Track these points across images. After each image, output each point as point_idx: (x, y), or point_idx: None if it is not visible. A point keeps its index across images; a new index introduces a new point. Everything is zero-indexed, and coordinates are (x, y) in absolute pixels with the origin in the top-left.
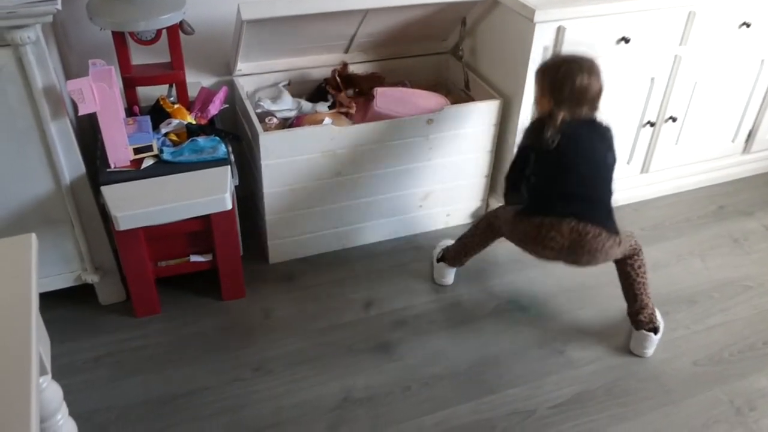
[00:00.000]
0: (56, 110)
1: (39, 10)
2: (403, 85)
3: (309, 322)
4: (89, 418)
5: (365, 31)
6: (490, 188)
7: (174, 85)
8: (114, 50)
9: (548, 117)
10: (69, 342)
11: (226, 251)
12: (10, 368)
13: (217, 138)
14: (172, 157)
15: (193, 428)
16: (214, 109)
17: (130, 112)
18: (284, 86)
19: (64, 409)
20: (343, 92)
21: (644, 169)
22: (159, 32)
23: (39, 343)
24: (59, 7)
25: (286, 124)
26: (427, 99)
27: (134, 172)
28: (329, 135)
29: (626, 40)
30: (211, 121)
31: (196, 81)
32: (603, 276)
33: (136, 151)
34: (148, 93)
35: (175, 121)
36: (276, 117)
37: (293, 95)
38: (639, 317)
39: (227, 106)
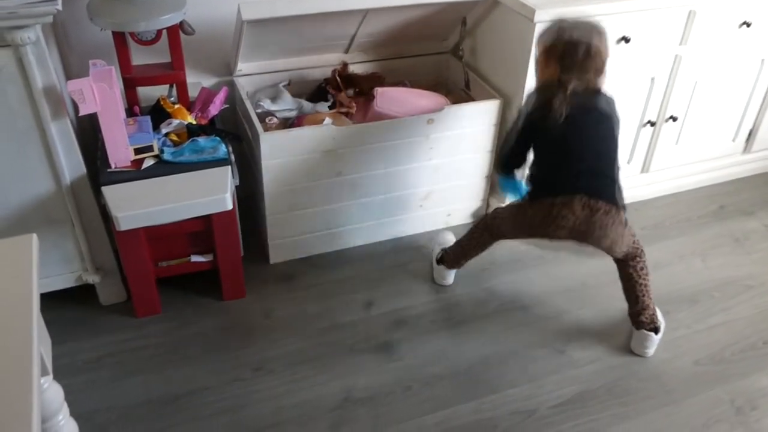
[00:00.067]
0: (57, 110)
1: (39, 11)
2: (404, 85)
3: (309, 322)
4: (90, 419)
5: (365, 31)
6: (491, 188)
7: (174, 85)
8: (114, 50)
9: (556, 86)
10: (70, 342)
11: (227, 251)
12: (11, 368)
13: (218, 138)
14: (172, 158)
15: (194, 428)
16: (214, 109)
17: (130, 113)
18: (284, 86)
19: (66, 410)
20: (343, 92)
21: (645, 168)
22: (159, 32)
23: (40, 343)
24: (59, 7)
25: (287, 124)
26: (428, 99)
27: (135, 173)
28: (330, 135)
29: (626, 40)
30: (212, 121)
31: (197, 81)
32: (603, 276)
33: (137, 151)
34: (149, 93)
35: (175, 122)
36: (276, 117)
37: (293, 95)
38: (640, 318)
39: (227, 106)
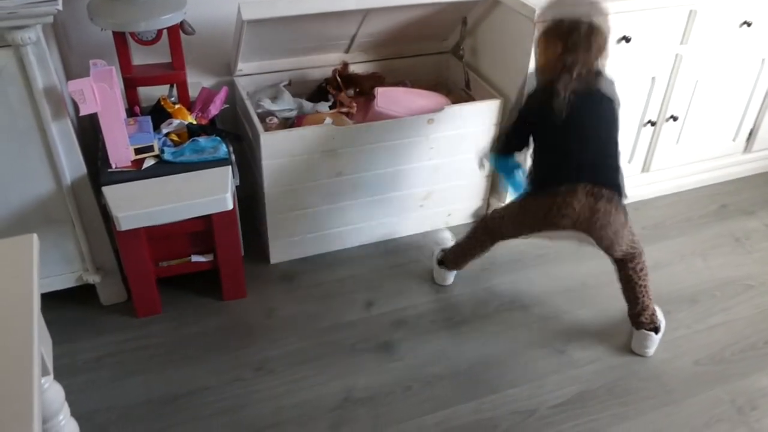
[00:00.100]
0: (57, 111)
1: (40, 11)
2: (404, 84)
3: (310, 321)
4: (90, 419)
5: (366, 31)
6: (491, 188)
7: (175, 85)
8: (115, 50)
9: (559, 68)
10: (70, 342)
11: (227, 251)
12: (11, 369)
13: (218, 138)
14: (173, 158)
15: (194, 428)
16: (214, 109)
17: (131, 113)
18: (285, 86)
19: (66, 410)
20: (343, 92)
21: (645, 168)
22: (160, 32)
23: (41, 343)
24: (60, 7)
25: (287, 124)
26: (428, 99)
27: (135, 173)
28: (330, 135)
29: (627, 40)
30: (212, 121)
31: (197, 81)
32: (603, 276)
33: (137, 151)
34: (149, 93)
35: (176, 122)
36: (277, 117)
37: (294, 95)
38: (640, 318)
39: (228, 106)
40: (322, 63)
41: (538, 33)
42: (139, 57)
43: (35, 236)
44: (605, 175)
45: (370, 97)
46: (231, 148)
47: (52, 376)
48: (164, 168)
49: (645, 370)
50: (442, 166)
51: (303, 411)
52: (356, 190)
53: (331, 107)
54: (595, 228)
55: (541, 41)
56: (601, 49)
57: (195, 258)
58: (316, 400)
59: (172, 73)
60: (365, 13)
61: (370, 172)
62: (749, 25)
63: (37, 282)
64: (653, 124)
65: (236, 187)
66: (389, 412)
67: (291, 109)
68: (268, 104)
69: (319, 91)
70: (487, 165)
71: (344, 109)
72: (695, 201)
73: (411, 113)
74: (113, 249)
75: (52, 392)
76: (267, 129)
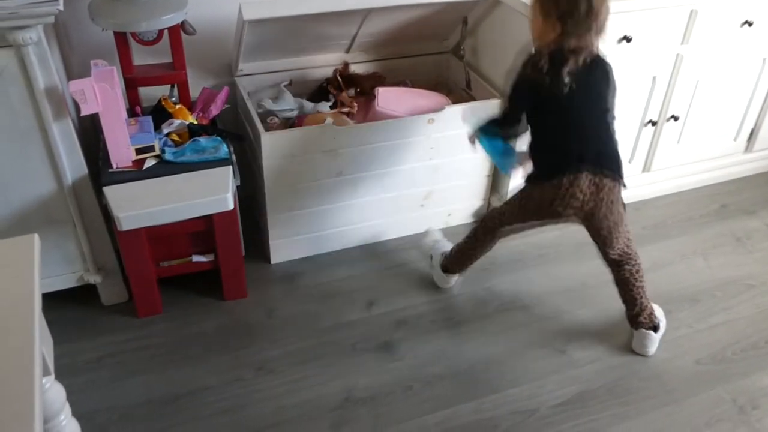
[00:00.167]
0: (58, 111)
1: (41, 11)
2: (405, 84)
3: (310, 321)
4: (91, 419)
5: (366, 31)
6: (492, 188)
7: (176, 85)
8: (116, 51)
9: (557, 50)
10: (71, 342)
11: (228, 251)
12: (13, 369)
13: (219, 138)
14: (173, 158)
15: (195, 428)
16: (215, 109)
17: (132, 113)
18: (285, 86)
19: (67, 410)
20: (344, 92)
21: (646, 168)
22: (161, 33)
23: (42, 343)
24: (61, 7)
25: (288, 124)
26: (428, 99)
27: (136, 173)
28: (330, 135)
29: (628, 39)
30: (213, 121)
31: (198, 81)
32: (603, 276)
33: (138, 151)
34: (150, 93)
35: (176, 122)
36: (277, 117)
37: (294, 95)
38: (639, 318)
39: (229, 106)
40: (323, 63)
41: (532, 11)
42: (140, 57)
43: (36, 236)
44: (605, 163)
45: (370, 97)
46: (232, 148)
47: (53, 376)
48: (165, 168)
49: (645, 370)
50: (443, 166)
51: (303, 411)
52: (357, 190)
53: (331, 107)
54: (597, 217)
55: (535, 19)
56: (600, 29)
57: (196, 258)
58: (317, 400)
59: (173, 73)
60: (366, 13)
61: (370, 172)
62: (750, 24)
63: (38, 282)
64: (654, 123)
65: (237, 187)
66: (390, 412)
67: (292, 109)
68: (269, 104)
69: (319, 91)
70: (471, 125)
71: (345, 109)
72: (696, 201)
73: (411, 113)
74: (114, 249)
75: (53, 392)
76: (268, 129)
